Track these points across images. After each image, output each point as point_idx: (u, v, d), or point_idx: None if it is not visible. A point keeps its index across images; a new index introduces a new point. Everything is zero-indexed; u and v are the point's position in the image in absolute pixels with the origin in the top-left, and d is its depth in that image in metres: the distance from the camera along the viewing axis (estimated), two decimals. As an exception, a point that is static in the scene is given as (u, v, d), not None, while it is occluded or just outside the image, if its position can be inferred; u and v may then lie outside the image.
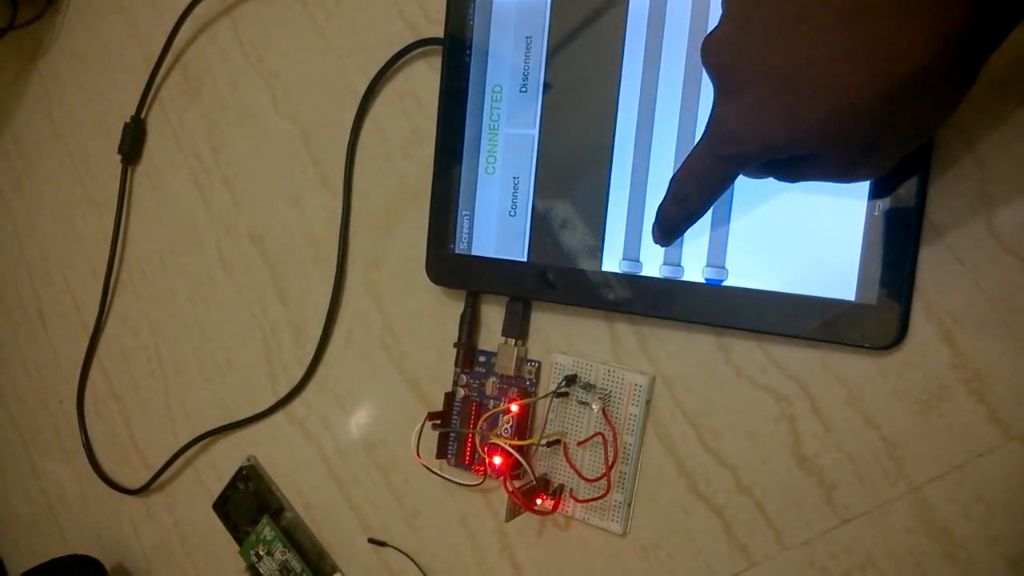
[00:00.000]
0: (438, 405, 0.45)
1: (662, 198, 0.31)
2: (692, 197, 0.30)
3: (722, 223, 0.36)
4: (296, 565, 0.51)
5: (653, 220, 0.32)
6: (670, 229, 0.32)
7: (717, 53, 0.26)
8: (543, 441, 0.40)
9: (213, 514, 0.56)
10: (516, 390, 0.42)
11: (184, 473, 0.59)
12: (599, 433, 0.39)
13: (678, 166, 0.30)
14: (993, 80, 0.31)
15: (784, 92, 0.24)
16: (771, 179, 0.30)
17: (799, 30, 0.23)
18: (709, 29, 0.27)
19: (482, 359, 0.44)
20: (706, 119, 0.27)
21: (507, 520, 0.40)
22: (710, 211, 0.36)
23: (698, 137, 0.28)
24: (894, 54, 0.22)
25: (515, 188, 0.41)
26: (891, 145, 0.25)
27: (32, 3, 0.67)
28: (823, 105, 0.23)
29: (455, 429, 0.44)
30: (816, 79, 0.23)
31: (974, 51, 0.22)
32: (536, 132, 0.40)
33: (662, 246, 0.36)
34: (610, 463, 0.39)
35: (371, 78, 0.48)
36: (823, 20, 0.23)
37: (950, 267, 0.32)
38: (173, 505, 0.60)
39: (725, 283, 0.36)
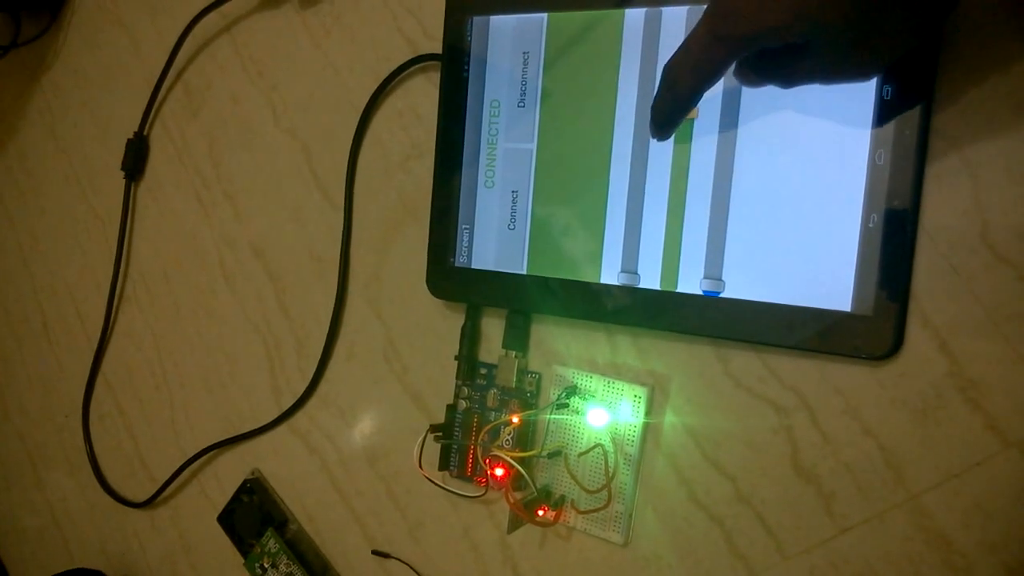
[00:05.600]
0: (440, 417, 0.45)
1: (656, 87, 0.31)
2: (683, 81, 0.29)
3: (719, 235, 0.36)
4: (300, 577, 0.51)
5: (649, 114, 0.32)
6: (662, 121, 0.31)
7: None
8: (544, 453, 0.40)
9: (218, 527, 0.56)
10: (517, 402, 0.42)
11: (189, 486, 0.59)
12: (599, 444, 0.39)
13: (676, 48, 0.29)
14: (986, 89, 0.32)
15: None
16: (768, 85, 0.30)
17: None
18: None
19: (483, 371, 0.44)
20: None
21: (509, 531, 0.40)
22: (707, 225, 0.36)
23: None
24: None
25: (514, 201, 0.42)
26: (880, 37, 0.26)
27: (35, 21, 0.68)
28: None
29: (457, 441, 0.44)
30: None
31: None
32: (534, 146, 0.41)
33: (657, 140, 0.36)
34: (611, 474, 0.39)
35: (371, 93, 0.48)
36: None
37: (945, 276, 0.33)
38: (178, 518, 0.60)
39: (723, 295, 0.36)
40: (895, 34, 0.26)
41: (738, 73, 0.31)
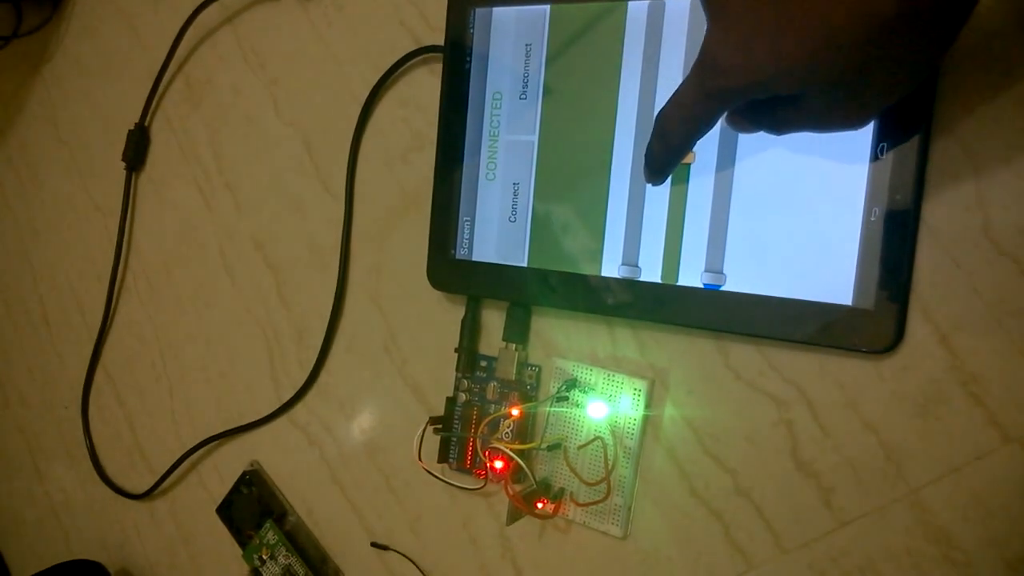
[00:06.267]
0: (439, 410, 0.45)
1: (650, 136, 0.31)
2: (675, 133, 0.30)
3: (720, 229, 0.36)
4: (299, 569, 0.51)
5: (643, 161, 0.32)
6: (656, 168, 0.32)
7: None
8: (544, 445, 0.40)
9: (217, 518, 0.56)
10: (517, 394, 0.42)
11: (188, 478, 0.59)
12: (599, 437, 0.39)
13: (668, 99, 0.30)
14: (988, 84, 0.32)
15: (774, 24, 0.24)
16: (761, 132, 0.30)
17: None
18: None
19: (483, 364, 0.44)
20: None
21: (508, 524, 0.40)
22: (708, 219, 0.36)
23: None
24: None
25: (515, 194, 0.42)
26: (871, 91, 0.26)
27: (37, 11, 0.68)
28: (811, 38, 0.24)
29: (456, 433, 0.44)
30: (804, 13, 0.23)
31: (958, 2, 0.23)
32: (536, 138, 0.41)
33: (652, 185, 0.36)
34: (610, 467, 0.39)
35: (372, 85, 0.48)
36: None
37: (947, 271, 0.33)
38: (177, 510, 0.60)
39: (723, 288, 0.36)
40: (887, 86, 0.26)
41: (730, 120, 0.31)
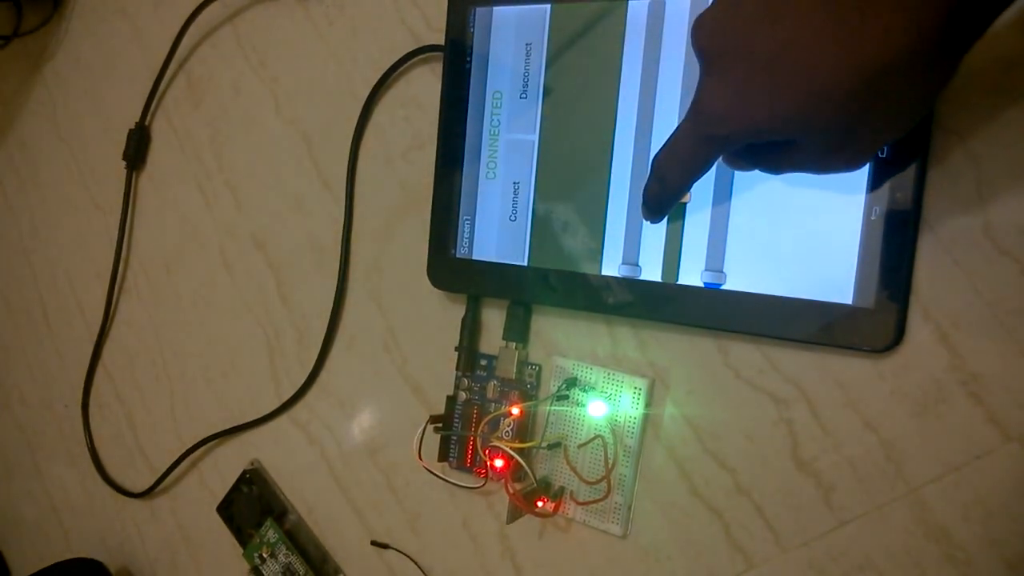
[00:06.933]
0: (440, 408, 0.45)
1: (648, 176, 0.31)
2: (672, 176, 0.30)
3: (720, 227, 0.36)
4: (299, 568, 0.51)
5: (641, 199, 0.33)
6: (654, 208, 0.33)
7: (706, 33, 0.26)
8: (544, 444, 0.40)
9: (217, 517, 0.56)
10: (517, 393, 0.42)
11: (188, 476, 0.59)
12: (599, 436, 0.39)
13: (664, 142, 0.30)
14: (988, 83, 0.32)
15: (765, 75, 0.24)
16: (757, 171, 0.30)
17: (783, 14, 0.24)
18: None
19: (483, 362, 0.44)
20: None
21: (508, 522, 0.40)
22: (708, 217, 0.36)
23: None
24: (871, 42, 0.22)
25: (515, 193, 0.42)
26: (868, 134, 0.26)
27: (37, 10, 0.68)
28: (801, 90, 0.24)
29: (457, 432, 0.44)
30: (796, 64, 0.24)
31: (952, 43, 0.23)
32: (536, 137, 0.41)
33: (651, 223, 0.36)
34: (610, 465, 0.39)
35: (373, 84, 0.48)
36: (805, 5, 0.23)
37: (947, 270, 0.33)
38: (177, 508, 0.60)
39: (724, 287, 0.36)
40: (882, 131, 0.26)
41: (727, 160, 0.31)
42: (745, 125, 0.26)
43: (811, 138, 0.26)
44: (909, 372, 0.33)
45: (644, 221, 0.35)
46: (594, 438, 0.39)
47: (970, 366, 0.32)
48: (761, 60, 0.24)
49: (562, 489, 0.41)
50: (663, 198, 0.32)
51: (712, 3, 0.27)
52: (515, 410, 0.41)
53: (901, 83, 0.23)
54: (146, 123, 0.61)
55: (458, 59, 0.43)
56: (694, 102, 0.27)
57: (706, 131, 0.27)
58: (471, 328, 0.44)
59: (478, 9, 0.42)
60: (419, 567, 0.47)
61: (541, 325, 0.43)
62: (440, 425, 0.44)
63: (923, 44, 0.22)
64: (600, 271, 0.39)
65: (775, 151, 0.28)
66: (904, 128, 0.26)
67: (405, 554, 0.48)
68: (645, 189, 0.32)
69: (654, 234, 0.38)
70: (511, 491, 0.39)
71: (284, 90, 0.53)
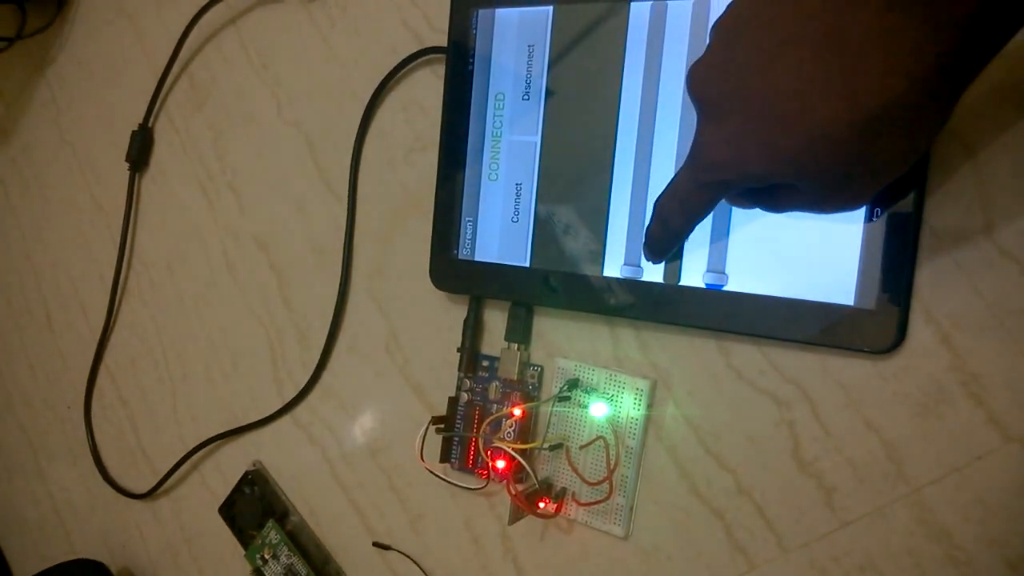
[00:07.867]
0: (442, 409, 0.45)
1: (649, 219, 0.32)
2: (674, 220, 0.31)
3: (722, 229, 0.36)
4: (301, 569, 0.51)
5: (643, 240, 0.34)
6: (656, 250, 0.34)
7: (701, 81, 0.27)
8: (546, 445, 0.40)
9: (219, 518, 0.56)
10: (519, 394, 0.43)
11: (190, 477, 0.59)
12: (601, 437, 0.39)
13: (664, 187, 0.31)
14: (991, 87, 0.32)
15: (763, 122, 0.25)
16: (757, 208, 0.30)
17: (779, 62, 0.24)
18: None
19: (485, 364, 0.44)
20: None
21: (510, 523, 0.40)
22: (710, 218, 0.36)
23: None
24: (867, 88, 0.22)
25: (517, 194, 0.42)
26: (866, 178, 0.26)
27: (40, 12, 0.68)
28: (799, 136, 0.24)
29: (458, 433, 0.44)
30: (793, 110, 0.24)
31: (947, 88, 0.23)
32: (538, 139, 0.41)
33: (653, 263, 0.37)
34: (612, 467, 0.39)
35: (375, 86, 0.48)
36: (801, 53, 0.23)
37: (948, 271, 0.33)
38: (179, 509, 0.60)
39: (725, 288, 0.36)
40: (880, 173, 0.26)
41: (728, 200, 0.32)
42: (743, 172, 0.26)
43: (809, 184, 0.26)
44: (910, 373, 0.33)
45: (646, 260, 0.36)
46: (596, 439, 0.39)
47: (971, 367, 0.32)
48: (756, 108, 0.25)
49: (564, 490, 0.41)
50: (665, 241, 0.33)
51: (706, 50, 0.27)
52: (517, 411, 0.41)
53: (895, 130, 0.23)
54: (149, 125, 0.61)
55: (460, 61, 0.43)
56: (693, 148, 0.28)
57: (705, 177, 0.28)
58: (473, 329, 0.44)
59: (480, 11, 0.42)
60: (421, 568, 0.47)
61: (543, 326, 0.43)
62: (442, 426, 0.44)
63: (915, 92, 0.22)
64: (602, 272, 0.39)
65: (775, 193, 0.28)
66: (901, 170, 0.26)
67: (407, 555, 0.48)
68: (647, 231, 0.33)
69: (656, 235, 0.38)
70: (513, 492, 0.39)
71: (287, 92, 0.54)
